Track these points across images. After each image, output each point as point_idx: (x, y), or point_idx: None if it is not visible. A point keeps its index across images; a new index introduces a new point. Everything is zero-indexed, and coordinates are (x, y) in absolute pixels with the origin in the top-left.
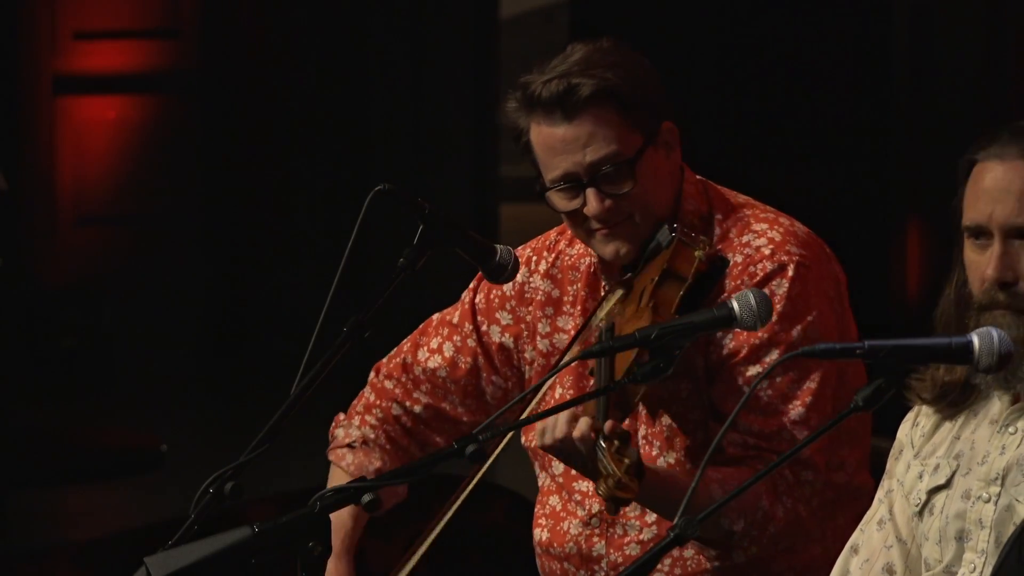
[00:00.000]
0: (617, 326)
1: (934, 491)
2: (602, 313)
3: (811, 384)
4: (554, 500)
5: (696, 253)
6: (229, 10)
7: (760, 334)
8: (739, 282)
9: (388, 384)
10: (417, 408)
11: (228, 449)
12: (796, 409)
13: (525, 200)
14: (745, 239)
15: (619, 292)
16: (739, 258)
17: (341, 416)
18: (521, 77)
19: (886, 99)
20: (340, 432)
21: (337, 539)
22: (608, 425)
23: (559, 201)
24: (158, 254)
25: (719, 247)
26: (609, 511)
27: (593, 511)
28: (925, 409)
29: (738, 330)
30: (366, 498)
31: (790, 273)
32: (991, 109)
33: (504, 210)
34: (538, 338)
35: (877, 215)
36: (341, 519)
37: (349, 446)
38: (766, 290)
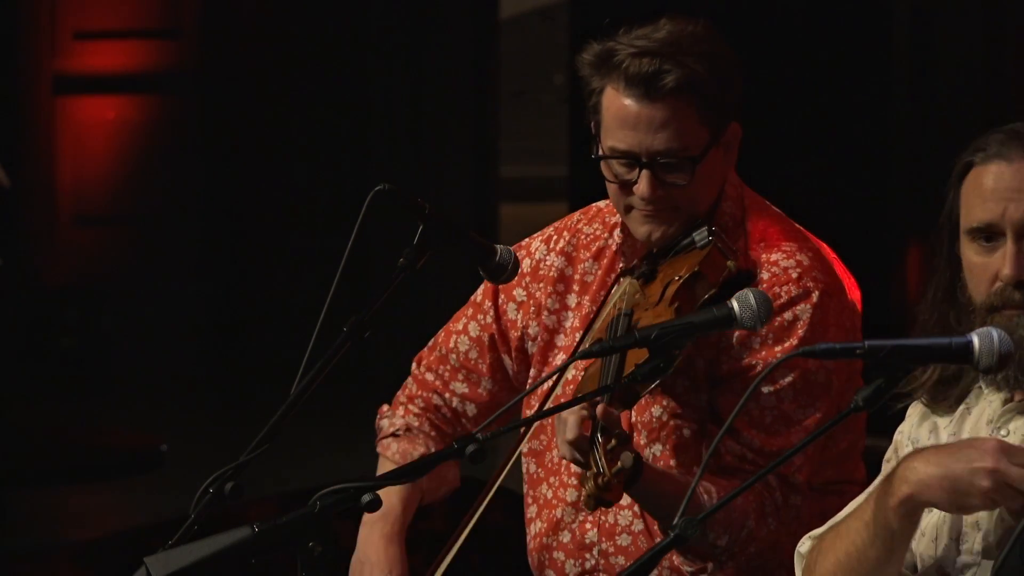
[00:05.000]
0: (636, 314)
1: None
2: (616, 296)
3: (817, 413)
4: (544, 488)
5: (729, 263)
6: (229, 10)
7: (778, 355)
8: None
9: (429, 376)
10: (455, 401)
11: (228, 449)
12: (798, 435)
13: (525, 200)
14: (774, 257)
15: (632, 279)
16: (765, 275)
17: (385, 407)
18: (603, 34)
19: (886, 100)
20: (385, 423)
21: (387, 524)
22: (600, 410)
23: (610, 171)
24: (158, 254)
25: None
26: (587, 506)
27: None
28: (921, 410)
29: (755, 347)
30: (366, 498)
31: (814, 299)
32: (991, 110)
33: (504, 210)
34: (544, 313)
35: (877, 214)
36: (390, 503)
37: (394, 435)
38: (789, 314)
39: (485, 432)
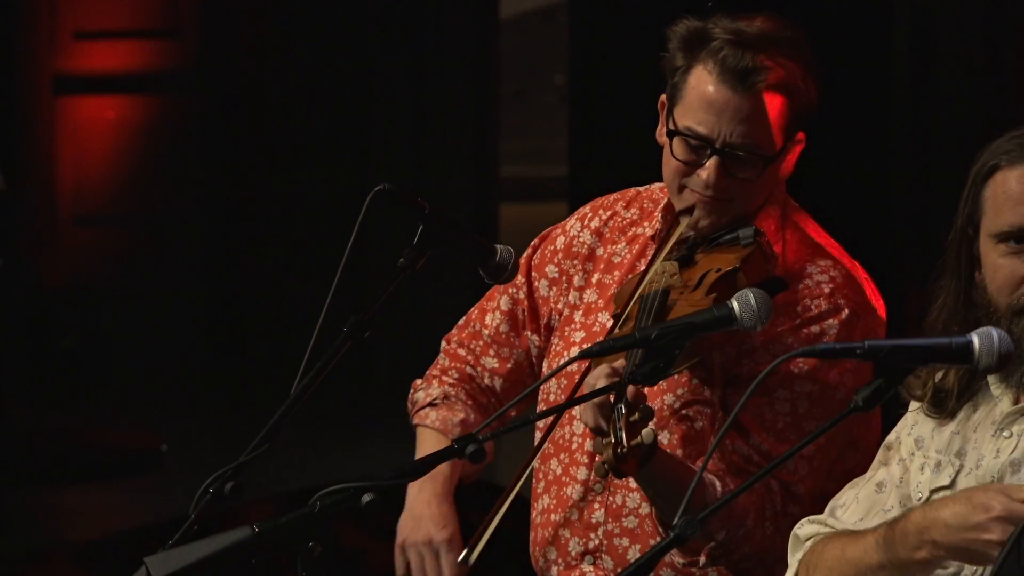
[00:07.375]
0: (672, 295)
1: (937, 491)
2: (651, 274)
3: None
4: (554, 464)
5: (768, 267)
6: (229, 10)
7: (801, 365)
8: (794, 310)
9: (461, 351)
10: (486, 376)
11: (228, 449)
12: (808, 447)
13: (525, 200)
14: (808, 270)
15: (669, 261)
16: (798, 287)
17: (418, 381)
18: (704, 16)
19: (886, 100)
20: (420, 395)
21: (437, 484)
22: (631, 391)
23: (679, 148)
24: (158, 254)
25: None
26: (598, 472)
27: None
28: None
29: (779, 355)
30: (366, 498)
31: (843, 317)
32: (992, 110)
33: (504, 210)
34: (571, 291)
35: (877, 214)
36: (438, 467)
37: (431, 404)
38: (816, 327)
39: (485, 432)
